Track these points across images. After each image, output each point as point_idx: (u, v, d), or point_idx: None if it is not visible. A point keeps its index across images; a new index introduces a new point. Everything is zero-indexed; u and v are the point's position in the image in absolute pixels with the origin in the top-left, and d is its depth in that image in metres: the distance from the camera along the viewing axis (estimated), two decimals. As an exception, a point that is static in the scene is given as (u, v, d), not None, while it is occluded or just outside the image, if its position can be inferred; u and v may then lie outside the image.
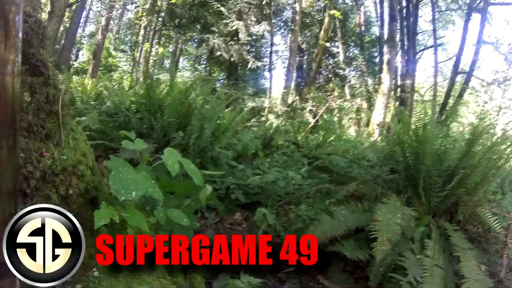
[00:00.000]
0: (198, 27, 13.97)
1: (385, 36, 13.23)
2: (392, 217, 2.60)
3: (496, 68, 14.96)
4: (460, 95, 12.51)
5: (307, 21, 15.26)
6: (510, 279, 2.59)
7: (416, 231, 2.77)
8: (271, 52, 14.73)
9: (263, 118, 10.25)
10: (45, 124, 1.52)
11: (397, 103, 12.43)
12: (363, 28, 15.91)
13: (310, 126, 9.09)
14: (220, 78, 14.54)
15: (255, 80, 14.88)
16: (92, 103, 7.04)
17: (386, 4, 14.23)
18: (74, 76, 11.68)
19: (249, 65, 12.53)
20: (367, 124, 11.46)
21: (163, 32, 16.11)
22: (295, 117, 11.25)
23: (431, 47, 15.13)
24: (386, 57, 11.35)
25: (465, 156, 3.06)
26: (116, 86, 8.82)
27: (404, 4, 13.23)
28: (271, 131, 7.02)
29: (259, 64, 13.09)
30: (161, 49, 17.37)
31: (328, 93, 14.47)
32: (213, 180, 4.15)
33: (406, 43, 13.16)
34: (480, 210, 2.92)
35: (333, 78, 15.14)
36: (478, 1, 12.53)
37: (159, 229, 2.07)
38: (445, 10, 16.13)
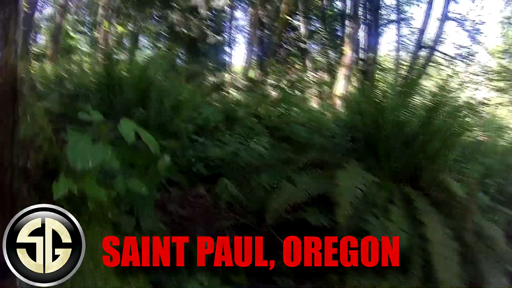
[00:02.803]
0: (158, 3, 13.50)
1: (348, 10, 13.25)
2: (353, 182, 2.57)
3: (460, 43, 15.36)
4: (423, 68, 12.79)
5: (268, -6, 15.05)
6: (475, 242, 2.62)
7: (379, 196, 2.74)
8: (230, 27, 14.53)
9: (224, 93, 10.18)
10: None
11: (359, 75, 12.57)
12: (325, 1, 15.86)
13: (271, 98, 9.07)
14: (180, 54, 14.21)
15: (215, 55, 14.67)
16: (53, 86, 6.75)
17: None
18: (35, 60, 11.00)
19: (208, 40, 12.33)
20: (329, 97, 11.58)
21: (122, 10, 15.45)
22: (257, 90, 11.24)
23: (394, 21, 15.31)
24: (348, 30, 11.39)
25: (425, 123, 3.10)
26: (76, 67, 8.44)
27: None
28: (232, 105, 6.98)
29: (219, 38, 12.91)
30: (120, 28, 16.68)
31: (289, 66, 14.44)
32: (174, 153, 4.06)
33: (369, 17, 13.25)
34: (444, 176, 2.91)
35: (294, 51, 15.09)
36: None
37: (120, 202, 2.04)
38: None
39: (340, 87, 10.51)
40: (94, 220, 1.80)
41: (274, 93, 10.29)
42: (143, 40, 17.52)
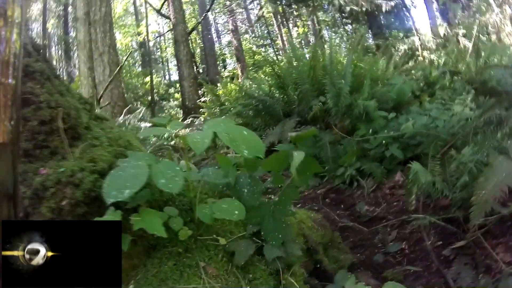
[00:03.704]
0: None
1: None
2: None
3: None
4: None
5: None
6: None
7: None
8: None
9: (419, 58, 9.20)
10: (49, 143, 1.56)
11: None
12: None
13: (468, 51, 7.73)
14: (363, 31, 13.70)
15: (397, 22, 13.66)
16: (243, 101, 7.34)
17: None
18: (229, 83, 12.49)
19: (383, 9, 11.55)
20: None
21: (289, 13, 16.13)
22: (450, 46, 9.82)
23: None
24: None
25: None
26: (258, 78, 9.06)
27: None
28: (428, 68, 6.15)
29: (392, 4, 11.95)
30: (300, 30, 17.41)
31: (474, 9, 12.25)
32: (365, 139, 3.75)
33: None
34: None
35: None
36: None
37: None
38: None
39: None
40: (197, 248, 1.47)
41: (468, 44, 8.87)
42: (325, 33, 17.79)
